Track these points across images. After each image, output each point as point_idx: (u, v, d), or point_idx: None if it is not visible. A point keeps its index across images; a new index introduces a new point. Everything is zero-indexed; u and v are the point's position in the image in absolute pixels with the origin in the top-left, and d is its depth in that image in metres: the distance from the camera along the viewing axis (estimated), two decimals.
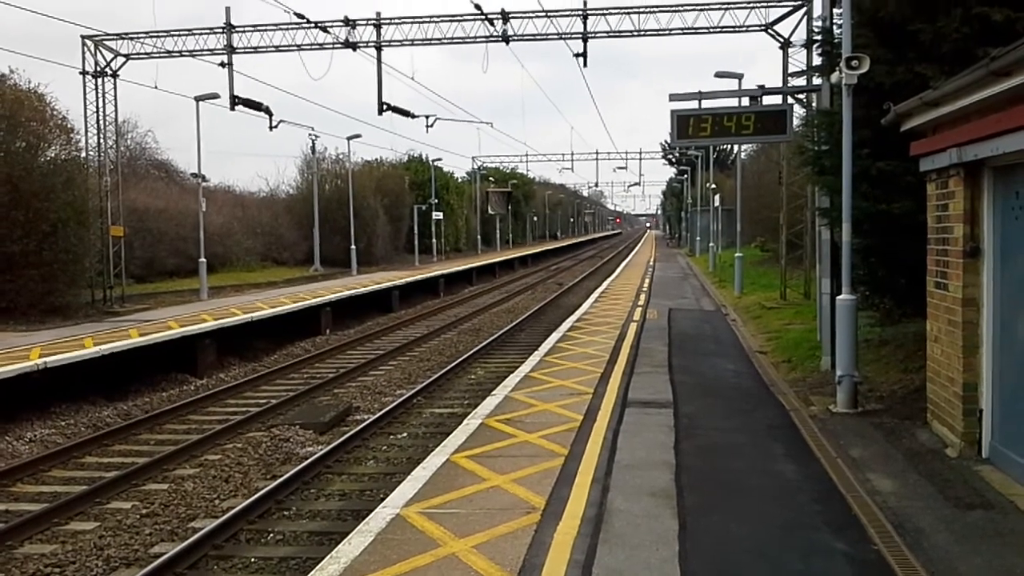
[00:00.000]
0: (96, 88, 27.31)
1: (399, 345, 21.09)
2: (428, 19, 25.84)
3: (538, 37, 25.43)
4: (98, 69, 27.33)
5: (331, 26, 25.63)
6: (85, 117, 27.14)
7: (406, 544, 5.91)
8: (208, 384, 17.07)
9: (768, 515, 6.62)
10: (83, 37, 27.16)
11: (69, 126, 25.07)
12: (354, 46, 25.79)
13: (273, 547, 8.28)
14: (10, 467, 10.98)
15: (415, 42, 25.98)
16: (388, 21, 25.81)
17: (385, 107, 26.44)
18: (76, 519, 9.17)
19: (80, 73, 27.18)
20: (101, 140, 27.55)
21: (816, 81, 14.37)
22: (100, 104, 27.34)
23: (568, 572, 5.43)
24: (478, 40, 25.88)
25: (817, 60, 15.70)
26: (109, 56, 27.47)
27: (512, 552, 5.74)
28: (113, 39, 27.43)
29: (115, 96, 27.68)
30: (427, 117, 32.32)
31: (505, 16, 25.09)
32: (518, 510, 6.58)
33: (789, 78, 21.17)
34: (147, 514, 9.21)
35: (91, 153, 27.26)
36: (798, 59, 21.68)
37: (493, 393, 11.48)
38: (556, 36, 25.16)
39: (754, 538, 6.12)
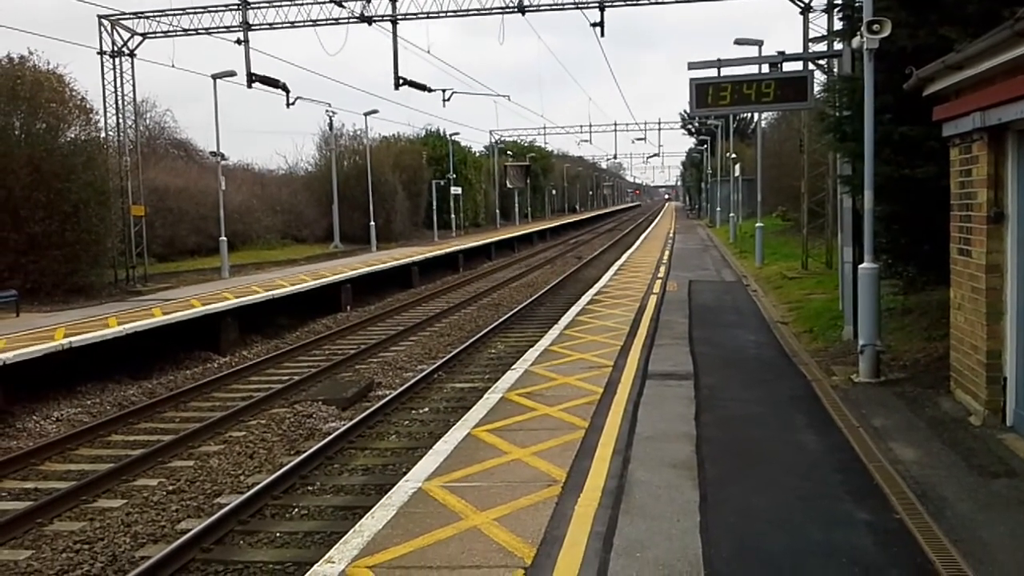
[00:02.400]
0: (114, 68, 27.43)
1: (419, 321, 21.15)
2: None
3: (554, 7, 25.21)
4: (115, 49, 27.43)
5: (346, 0, 25.51)
6: (104, 97, 27.33)
7: (428, 518, 5.94)
8: (231, 362, 17.22)
9: (789, 485, 6.60)
10: (100, 17, 27.25)
11: (88, 107, 25.16)
12: (369, 20, 25.68)
13: (298, 522, 8.37)
14: (38, 446, 11.15)
15: (430, 15, 25.81)
16: None
17: (402, 81, 26.35)
18: (104, 496, 9.30)
19: (98, 53, 27.32)
20: (120, 120, 27.70)
21: (837, 46, 14.18)
22: (118, 84, 27.49)
23: (589, 543, 5.45)
24: (494, 12, 25.70)
25: (838, 25, 15.48)
26: (126, 35, 27.57)
27: (533, 524, 5.76)
28: (129, 18, 27.49)
29: (133, 76, 27.84)
30: (444, 91, 32.15)
31: None
32: (539, 483, 6.60)
33: (810, 44, 20.87)
34: (173, 491, 9.33)
35: (110, 133, 27.44)
36: (819, 24, 21.40)
37: (513, 367, 11.50)
38: (572, 6, 24.92)
39: (775, 508, 6.11)
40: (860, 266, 10.50)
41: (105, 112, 27.12)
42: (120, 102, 27.55)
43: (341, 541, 5.65)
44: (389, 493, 6.57)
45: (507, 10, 25.47)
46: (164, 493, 9.26)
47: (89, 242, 23.82)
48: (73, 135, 24.53)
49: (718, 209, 60.04)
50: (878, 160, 10.13)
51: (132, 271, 27.54)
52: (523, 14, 25.35)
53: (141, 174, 28.74)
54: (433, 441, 8.53)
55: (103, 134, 26.65)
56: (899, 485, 6.48)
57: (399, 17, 25.73)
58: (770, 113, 42.51)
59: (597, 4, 24.53)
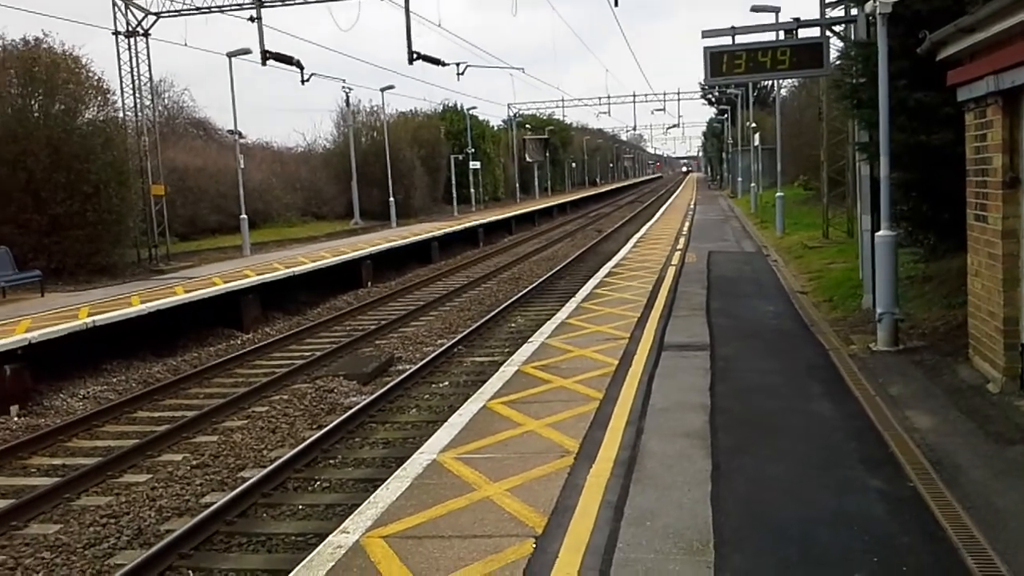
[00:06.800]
0: (129, 48, 27.48)
1: (439, 296, 21.24)
2: None
3: None
4: (129, 28, 27.47)
5: None
6: (120, 77, 27.38)
7: (442, 488, 6.03)
8: (253, 338, 17.39)
9: (803, 454, 6.62)
10: None
11: (105, 87, 25.28)
12: None
13: (319, 494, 8.49)
14: (66, 423, 11.35)
15: None
16: None
17: (416, 56, 26.26)
18: (129, 471, 9.47)
19: (112, 33, 27.34)
20: (137, 100, 27.81)
21: (853, 12, 13.96)
22: (134, 64, 27.54)
23: (600, 513, 5.51)
24: None
25: None
26: (140, 15, 27.58)
27: (545, 495, 5.83)
28: None
29: (148, 55, 27.87)
30: (458, 65, 32.06)
31: None
32: (552, 454, 6.66)
33: (827, 9, 20.55)
34: (197, 465, 9.49)
35: (128, 114, 27.56)
36: None
37: (530, 340, 11.56)
38: None
39: (788, 477, 6.14)
40: (877, 234, 10.43)
41: (122, 92, 27.21)
42: (136, 82, 27.65)
43: (356, 512, 5.75)
44: (404, 465, 6.66)
45: None
46: (188, 468, 9.42)
47: (110, 222, 24.03)
48: (91, 116, 24.65)
49: (739, 179, 59.55)
50: (894, 127, 10.04)
51: (154, 250, 27.79)
52: None
53: (160, 154, 28.89)
54: (452, 414, 8.61)
55: (121, 114, 26.79)
56: (914, 453, 6.49)
57: None
58: (790, 81, 42.03)
59: None
